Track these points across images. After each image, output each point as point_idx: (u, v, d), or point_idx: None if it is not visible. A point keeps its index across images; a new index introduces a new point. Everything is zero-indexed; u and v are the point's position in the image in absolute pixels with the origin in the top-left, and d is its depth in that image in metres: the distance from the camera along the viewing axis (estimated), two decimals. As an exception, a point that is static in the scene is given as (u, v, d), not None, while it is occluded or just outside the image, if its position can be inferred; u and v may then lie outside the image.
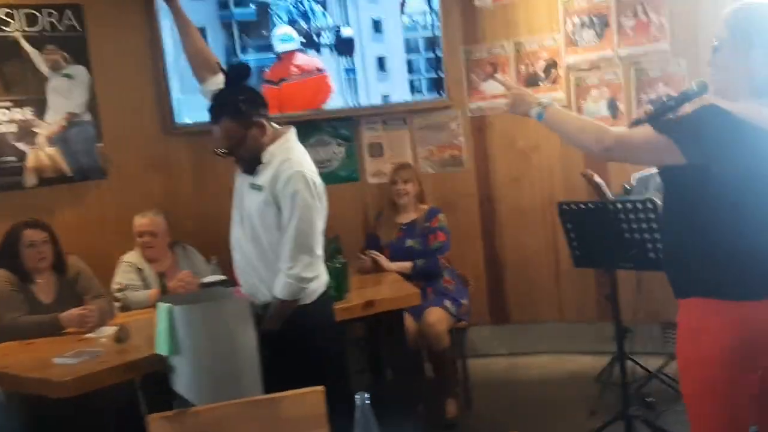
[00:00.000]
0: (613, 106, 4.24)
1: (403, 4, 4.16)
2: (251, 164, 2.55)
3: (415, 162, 4.55)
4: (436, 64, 4.21)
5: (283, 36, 4.21)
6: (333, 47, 4.13)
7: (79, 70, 4.04)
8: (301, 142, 2.63)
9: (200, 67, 2.71)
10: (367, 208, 4.57)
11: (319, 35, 4.11)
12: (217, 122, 2.48)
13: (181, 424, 1.72)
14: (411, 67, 4.13)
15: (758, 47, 1.83)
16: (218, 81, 2.59)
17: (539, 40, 4.37)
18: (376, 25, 4.12)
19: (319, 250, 2.59)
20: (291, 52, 4.23)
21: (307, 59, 4.27)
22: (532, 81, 4.41)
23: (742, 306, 1.87)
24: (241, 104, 2.44)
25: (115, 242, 3.89)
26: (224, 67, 2.58)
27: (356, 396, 1.50)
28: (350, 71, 4.14)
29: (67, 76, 4.00)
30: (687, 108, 1.93)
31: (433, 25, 4.21)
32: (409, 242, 3.98)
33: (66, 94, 4.00)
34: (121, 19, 4.15)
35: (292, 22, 4.17)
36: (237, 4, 4.06)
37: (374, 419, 1.50)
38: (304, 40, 4.16)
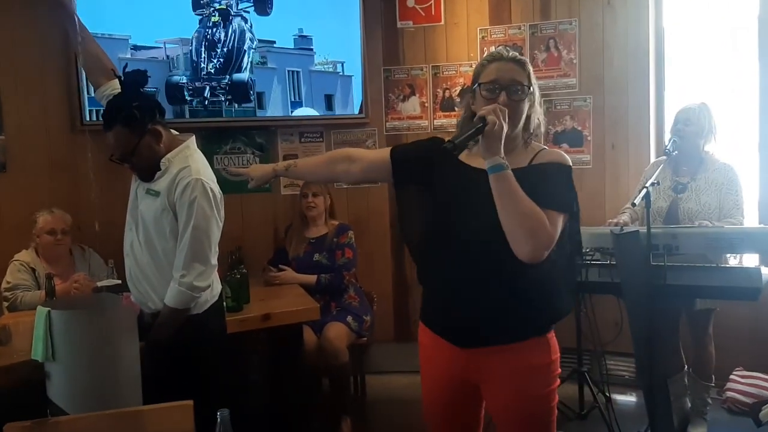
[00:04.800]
0: (522, 136, 4.36)
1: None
2: (146, 172, 2.49)
3: (329, 177, 4.54)
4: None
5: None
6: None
7: (-17, 59, 3.90)
8: (215, 149, 2.58)
9: (95, 71, 2.65)
10: (278, 220, 4.54)
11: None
12: (109, 129, 2.41)
13: (40, 435, 1.66)
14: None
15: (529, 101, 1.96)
16: (114, 86, 2.53)
17: (457, 66, 4.47)
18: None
19: (214, 260, 2.55)
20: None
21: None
22: (447, 105, 4.50)
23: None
24: (134, 111, 2.37)
25: (11, 239, 3.74)
26: (120, 74, 2.50)
27: (218, 413, 1.49)
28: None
29: (-30, 64, 3.85)
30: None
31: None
32: (317, 257, 3.98)
33: (-33, 83, 3.85)
34: (33, 10, 4.01)
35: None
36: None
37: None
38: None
